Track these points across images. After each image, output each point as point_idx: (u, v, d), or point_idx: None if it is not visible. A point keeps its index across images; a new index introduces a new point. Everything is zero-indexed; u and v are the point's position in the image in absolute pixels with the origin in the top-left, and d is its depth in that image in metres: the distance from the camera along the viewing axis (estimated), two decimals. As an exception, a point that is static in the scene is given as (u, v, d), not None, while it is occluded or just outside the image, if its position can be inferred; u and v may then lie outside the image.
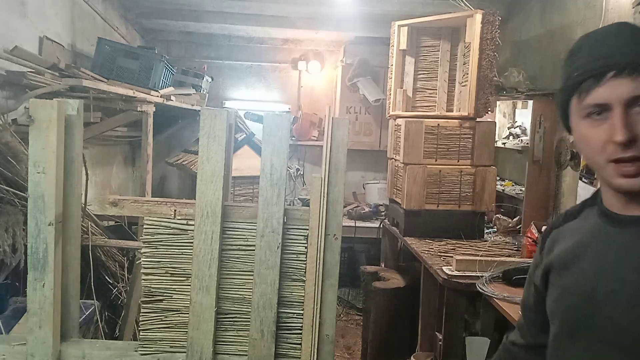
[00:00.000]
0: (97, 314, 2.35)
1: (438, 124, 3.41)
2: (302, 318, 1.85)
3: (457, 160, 3.43)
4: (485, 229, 3.57)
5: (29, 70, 2.79)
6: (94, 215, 2.58)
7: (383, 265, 4.11)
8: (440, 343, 2.77)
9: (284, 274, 1.85)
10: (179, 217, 1.85)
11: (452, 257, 2.77)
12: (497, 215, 3.77)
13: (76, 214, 1.85)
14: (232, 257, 1.86)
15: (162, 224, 1.84)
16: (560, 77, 0.99)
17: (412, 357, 3.32)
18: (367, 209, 4.93)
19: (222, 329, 1.86)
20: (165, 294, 1.85)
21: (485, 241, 3.36)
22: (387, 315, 3.45)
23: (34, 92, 2.70)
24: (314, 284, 1.82)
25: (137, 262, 2.51)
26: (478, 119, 3.41)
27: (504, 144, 4.07)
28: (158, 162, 4.99)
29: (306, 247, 1.85)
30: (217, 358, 1.85)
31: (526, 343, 1.17)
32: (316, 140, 5.43)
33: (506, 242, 3.35)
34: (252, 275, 1.82)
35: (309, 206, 1.84)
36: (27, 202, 1.75)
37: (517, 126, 4.16)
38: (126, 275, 2.67)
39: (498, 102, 4.09)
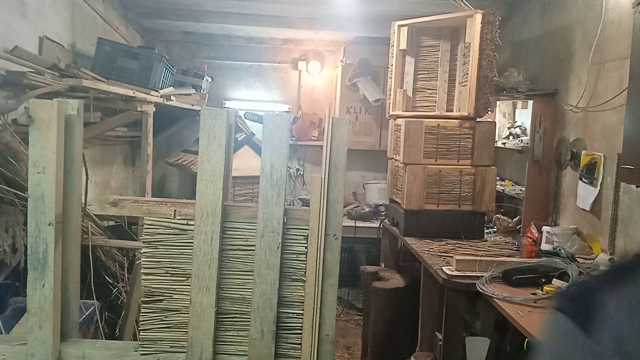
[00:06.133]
0: (97, 314, 2.35)
1: (438, 124, 3.41)
2: (302, 318, 1.85)
3: (457, 160, 3.43)
4: (485, 229, 3.57)
5: (29, 70, 2.79)
6: (94, 215, 2.58)
7: (383, 265, 4.11)
8: (440, 343, 2.77)
9: (284, 274, 1.85)
10: (179, 217, 1.85)
11: (452, 257, 2.77)
12: (497, 215, 3.77)
13: (76, 214, 1.86)
14: (232, 257, 1.86)
15: (162, 224, 1.85)
16: None
17: (412, 357, 3.32)
18: (367, 209, 4.93)
19: (222, 329, 1.86)
20: (165, 294, 1.86)
21: (485, 241, 3.36)
22: (387, 315, 3.45)
23: (34, 92, 2.70)
24: (314, 284, 1.83)
25: (137, 262, 2.51)
26: (478, 119, 3.41)
27: (504, 144, 4.07)
28: (158, 162, 5.00)
29: (306, 247, 1.85)
30: (217, 358, 1.85)
31: None
32: (316, 140, 5.43)
33: (506, 242, 3.35)
34: (252, 275, 1.82)
35: (309, 206, 1.84)
36: (27, 202, 1.75)
37: (517, 126, 4.16)
38: (126, 275, 2.67)
39: (498, 102, 4.09)
